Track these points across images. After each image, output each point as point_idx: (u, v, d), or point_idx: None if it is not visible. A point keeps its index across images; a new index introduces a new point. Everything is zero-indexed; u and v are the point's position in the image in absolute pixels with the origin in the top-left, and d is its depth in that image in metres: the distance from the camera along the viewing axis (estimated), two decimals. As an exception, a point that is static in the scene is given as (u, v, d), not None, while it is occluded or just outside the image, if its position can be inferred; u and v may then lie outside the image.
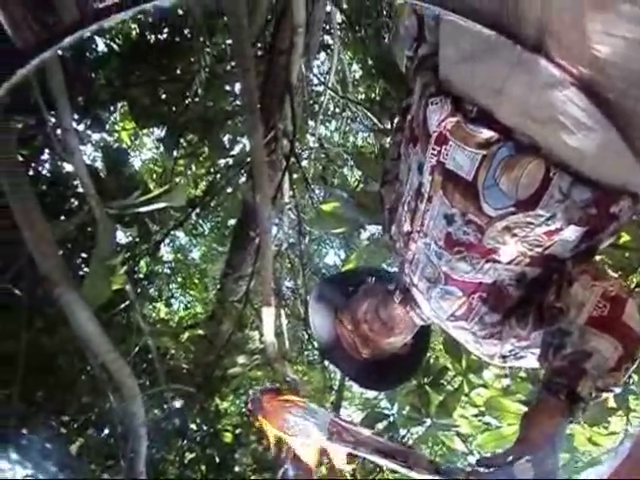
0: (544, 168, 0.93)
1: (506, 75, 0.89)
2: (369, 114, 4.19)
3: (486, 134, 0.95)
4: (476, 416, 3.15)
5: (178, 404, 3.53)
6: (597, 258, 1.19)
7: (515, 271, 1.09)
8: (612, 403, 2.08)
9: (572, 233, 1.00)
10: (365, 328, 1.30)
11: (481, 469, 0.90)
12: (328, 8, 4.56)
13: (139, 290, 4.12)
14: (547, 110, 0.88)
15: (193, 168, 5.30)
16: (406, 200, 1.19)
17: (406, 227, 1.21)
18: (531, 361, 1.18)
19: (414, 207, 1.15)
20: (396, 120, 1.54)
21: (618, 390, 0.99)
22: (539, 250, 1.04)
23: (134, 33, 4.06)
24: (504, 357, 1.22)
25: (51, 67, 1.61)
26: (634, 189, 0.97)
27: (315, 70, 5.30)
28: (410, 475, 0.94)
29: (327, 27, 5.28)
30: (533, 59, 0.81)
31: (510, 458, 0.88)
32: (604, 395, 0.99)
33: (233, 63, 3.60)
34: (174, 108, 3.43)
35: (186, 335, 3.88)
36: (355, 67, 6.00)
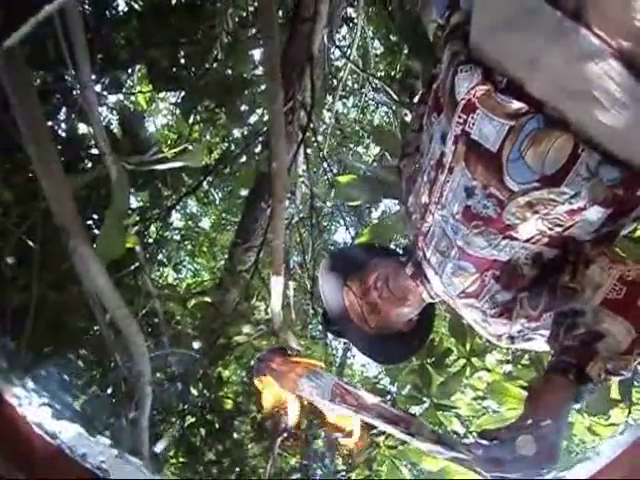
0: (572, 144, 0.91)
1: (542, 46, 0.86)
2: (389, 90, 4.12)
3: (515, 105, 0.92)
4: (476, 399, 3.16)
5: (181, 368, 3.57)
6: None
7: (532, 250, 1.07)
8: (615, 394, 2.07)
9: (595, 214, 0.98)
10: (374, 295, 1.29)
11: (483, 442, 0.90)
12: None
13: (148, 255, 4.15)
14: (582, 84, 0.85)
15: (208, 136, 5.29)
16: (426, 170, 1.17)
17: (424, 198, 1.20)
18: (539, 344, 1.17)
19: (434, 178, 1.13)
20: (420, 92, 1.51)
21: (628, 374, 0.98)
22: (559, 230, 1.02)
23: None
24: (512, 338, 1.21)
25: (72, 20, 1.59)
26: None
27: (336, 47, 5.21)
28: (412, 443, 0.95)
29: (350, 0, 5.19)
30: (572, 28, 0.78)
31: (512, 432, 0.88)
32: (613, 379, 0.98)
33: (254, 30, 3.56)
34: (193, 72, 3.39)
35: (193, 301, 3.91)
36: (377, 44, 5.91)
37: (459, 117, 1.00)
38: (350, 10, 5.50)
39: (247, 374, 4.35)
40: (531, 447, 0.84)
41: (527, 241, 1.05)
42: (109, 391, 3.26)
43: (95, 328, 3.08)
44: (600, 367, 0.92)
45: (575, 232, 1.03)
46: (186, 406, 3.80)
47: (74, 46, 1.60)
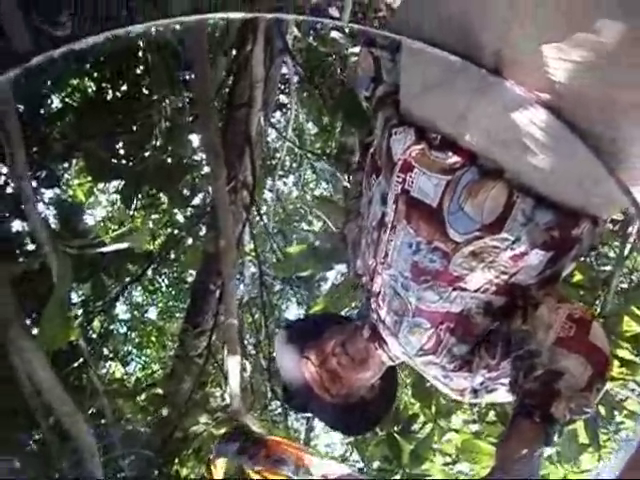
0: (507, 191, 0.96)
1: (469, 101, 0.92)
2: (327, 165, 4.28)
3: (450, 160, 0.97)
4: (447, 465, 3.08)
5: (135, 470, 3.30)
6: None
7: (482, 299, 1.09)
8: (583, 439, 2.08)
9: (537, 258, 1.02)
10: (333, 362, 1.27)
11: None
12: (285, 69, 4.74)
13: (93, 350, 3.94)
14: (510, 132, 0.90)
15: (150, 224, 5.24)
16: (369, 232, 1.20)
17: (370, 261, 1.22)
18: (502, 394, 1.17)
19: (377, 238, 1.16)
20: (356, 161, 1.58)
21: (590, 412, 0.99)
22: (505, 278, 1.05)
23: (90, 90, 4.09)
24: (475, 391, 1.21)
25: (5, 112, 1.58)
26: (593, 212, 1.00)
27: (272, 127, 5.43)
28: None
29: (283, 87, 5.48)
30: (497, 82, 0.85)
31: None
32: (577, 417, 0.98)
33: (192, 117, 3.65)
34: (132, 160, 3.41)
35: (143, 395, 3.69)
36: (310, 125, 6.20)
37: (398, 177, 1.04)
38: (282, 97, 5.80)
39: (207, 469, 4.07)
40: None
41: (476, 291, 1.08)
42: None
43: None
44: (564, 406, 0.92)
45: (520, 278, 1.06)
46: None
47: (7, 139, 1.59)
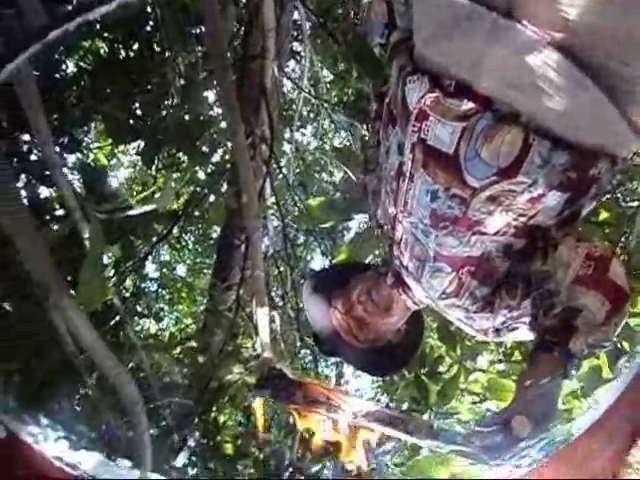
0: (523, 135, 0.95)
1: (482, 45, 0.91)
2: (343, 115, 4.22)
3: (465, 106, 0.97)
4: (475, 403, 3.18)
5: (175, 419, 3.49)
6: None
7: (501, 242, 1.11)
8: (607, 374, 2.11)
9: (554, 199, 1.02)
10: (359, 309, 1.32)
11: (481, 430, 0.91)
12: (296, 15, 4.60)
13: (127, 309, 4.08)
14: (525, 75, 0.90)
15: (173, 184, 5.29)
16: (388, 182, 1.21)
17: (390, 209, 1.24)
18: (524, 333, 1.20)
19: (396, 188, 1.17)
20: (373, 110, 1.57)
21: (609, 346, 1.02)
22: (523, 220, 1.06)
23: (102, 52, 4.06)
24: (497, 331, 1.24)
25: (23, 79, 1.60)
26: (611, 150, 0.99)
27: (287, 78, 5.34)
28: (412, 441, 0.96)
29: (295, 34, 5.35)
30: (508, 25, 0.84)
31: (507, 415, 0.90)
32: (596, 351, 1.01)
33: (205, 73, 3.61)
34: (150, 120, 3.42)
35: (178, 349, 3.85)
36: (325, 72, 6.07)
37: (413, 125, 1.04)
38: (296, 44, 5.66)
39: (243, 414, 4.27)
40: (526, 426, 0.86)
41: (495, 234, 1.09)
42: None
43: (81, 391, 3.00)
44: (582, 342, 0.95)
45: (539, 220, 1.07)
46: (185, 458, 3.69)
47: (28, 106, 1.61)
